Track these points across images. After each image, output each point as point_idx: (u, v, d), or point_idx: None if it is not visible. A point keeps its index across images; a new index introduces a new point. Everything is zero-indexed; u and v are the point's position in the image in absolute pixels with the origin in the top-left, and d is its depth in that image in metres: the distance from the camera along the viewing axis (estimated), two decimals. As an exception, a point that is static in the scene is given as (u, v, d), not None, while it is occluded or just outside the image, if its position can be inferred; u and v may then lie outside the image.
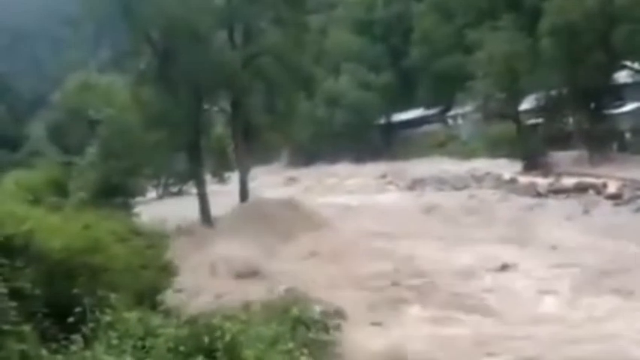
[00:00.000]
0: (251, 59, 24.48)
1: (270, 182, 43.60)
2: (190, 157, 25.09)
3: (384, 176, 45.51)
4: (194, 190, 26.43)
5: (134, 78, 25.22)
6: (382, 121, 68.20)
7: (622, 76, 41.43)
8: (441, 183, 37.11)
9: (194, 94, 23.04)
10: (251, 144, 26.18)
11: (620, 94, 41.92)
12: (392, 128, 67.61)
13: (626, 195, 25.77)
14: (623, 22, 35.93)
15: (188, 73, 22.02)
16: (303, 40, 26.75)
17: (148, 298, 9.18)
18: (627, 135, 40.47)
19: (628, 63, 40.04)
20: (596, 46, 37.83)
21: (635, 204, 24.52)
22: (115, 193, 23.89)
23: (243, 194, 25.76)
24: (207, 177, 30.25)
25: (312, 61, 34.59)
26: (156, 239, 12.35)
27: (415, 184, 38.56)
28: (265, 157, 34.49)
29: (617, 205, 25.04)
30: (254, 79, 23.67)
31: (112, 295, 7.52)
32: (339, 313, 12.59)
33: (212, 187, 32.55)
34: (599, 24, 37.62)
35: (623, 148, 39.42)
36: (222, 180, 33.95)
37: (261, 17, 25.56)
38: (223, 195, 28.07)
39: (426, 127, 63.91)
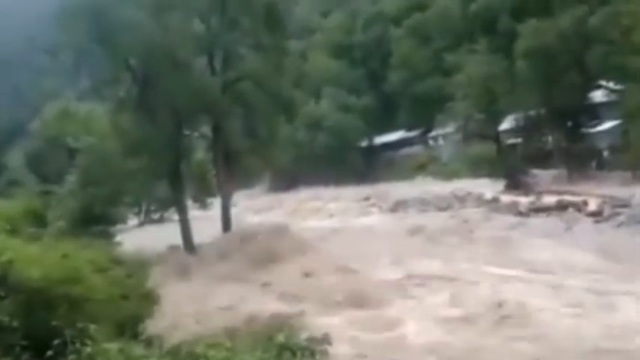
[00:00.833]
0: (231, 84, 24.57)
1: (253, 207, 43.47)
2: (171, 184, 24.93)
3: (366, 199, 45.61)
4: (176, 217, 26.21)
5: (113, 105, 25.15)
6: (364, 143, 68.61)
7: (598, 96, 42.38)
8: (424, 204, 37.31)
9: (174, 120, 23.01)
10: (232, 169, 26.10)
11: (596, 113, 42.81)
12: (373, 151, 68.02)
13: (606, 212, 26.15)
14: (597, 42, 36.89)
15: (168, 100, 22.02)
16: (283, 65, 26.94)
17: (129, 327, 9.02)
18: (605, 153, 41.22)
19: (603, 82, 41.00)
20: (571, 67, 38.73)
21: (615, 220, 24.89)
22: (94, 221, 23.63)
23: (226, 220, 25.60)
24: (189, 203, 30.05)
25: (293, 86, 34.77)
26: (137, 268, 12.19)
27: (398, 206, 38.71)
28: (247, 181, 34.38)
29: (597, 222, 25.39)
30: (234, 104, 23.73)
31: (92, 326, 7.36)
32: (326, 339, 12.50)
33: (194, 212, 32.34)
34: (574, 45, 38.57)
35: (602, 165, 40.11)
36: (203, 206, 33.73)
37: (241, 43, 25.74)
38: (206, 221, 27.87)
39: (408, 149, 64.41)
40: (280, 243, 22.14)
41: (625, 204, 26.18)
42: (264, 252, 21.15)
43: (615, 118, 39.96)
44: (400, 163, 62.33)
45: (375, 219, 35.77)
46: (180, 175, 24.41)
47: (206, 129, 26.88)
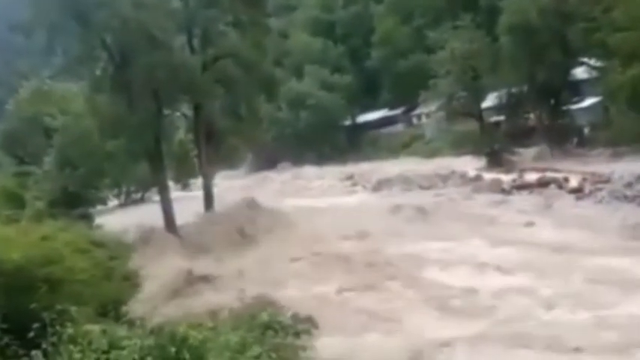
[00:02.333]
0: (211, 63, 24.27)
1: (235, 186, 43.34)
2: (151, 164, 24.71)
3: (350, 177, 45.73)
4: (157, 198, 26.06)
5: (90, 84, 24.73)
6: (347, 122, 68.61)
7: (579, 73, 42.76)
8: (407, 183, 37.48)
9: (153, 99, 22.71)
10: (214, 148, 25.93)
11: (578, 90, 43.26)
12: (357, 129, 68.07)
13: (587, 188, 26.55)
14: (578, 19, 37.08)
15: (146, 78, 21.69)
16: (264, 43, 26.64)
17: (111, 309, 9.02)
18: (586, 130, 41.76)
19: (584, 59, 41.34)
20: (553, 44, 38.98)
21: (595, 197, 25.29)
22: (73, 203, 23.43)
23: (208, 200, 25.50)
24: (171, 183, 29.87)
25: (274, 64, 34.49)
26: (118, 249, 12.16)
27: (382, 185, 38.85)
28: (229, 161, 34.21)
29: (578, 198, 25.79)
30: (215, 83, 23.46)
31: (73, 308, 7.35)
32: (310, 318, 12.60)
33: (176, 193, 32.18)
34: (555, 22, 38.77)
35: (583, 142, 40.66)
36: (185, 186, 33.62)
37: (220, 20, 25.38)
38: (188, 201, 27.77)
39: (391, 128, 64.56)
40: (261, 222, 22.17)
41: (605, 180, 26.59)
42: (245, 232, 21.19)
43: (596, 95, 40.43)
44: (383, 141, 62.52)
45: (359, 198, 35.92)
46: (161, 155, 24.18)
47: (186, 108, 26.64)
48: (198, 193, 27.45)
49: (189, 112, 26.38)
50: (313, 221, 24.99)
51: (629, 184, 24.83)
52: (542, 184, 29.27)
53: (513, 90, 41.97)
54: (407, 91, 56.25)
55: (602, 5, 35.42)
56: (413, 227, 22.95)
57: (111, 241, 12.73)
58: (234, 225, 21.82)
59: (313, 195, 38.48)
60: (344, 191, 40.00)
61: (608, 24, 34.48)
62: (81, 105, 26.73)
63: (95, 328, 7.40)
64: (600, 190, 25.68)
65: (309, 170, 54.07)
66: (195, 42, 25.31)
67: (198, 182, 30.22)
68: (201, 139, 25.58)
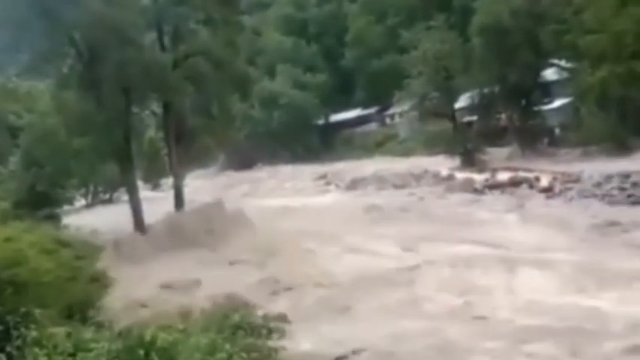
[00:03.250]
0: (182, 60, 24.07)
1: (207, 186, 43.07)
2: (120, 163, 24.39)
3: (323, 177, 45.84)
4: (126, 198, 25.75)
5: (56, 82, 24.29)
6: (320, 121, 68.69)
7: (550, 74, 43.64)
8: (381, 182, 37.77)
9: (122, 96, 22.42)
10: (185, 148, 25.71)
11: (549, 91, 44.12)
12: (330, 129, 68.22)
13: (558, 188, 27.13)
14: (549, 21, 37.84)
15: (115, 76, 21.40)
16: (236, 41, 26.53)
17: (78, 311, 8.91)
18: (557, 130, 42.62)
19: (555, 61, 42.20)
20: (524, 45, 39.67)
21: (566, 196, 25.87)
22: (40, 203, 23.00)
23: (178, 200, 25.28)
24: (141, 183, 29.52)
25: (247, 62, 34.33)
26: (85, 250, 11.99)
27: (355, 184, 39.07)
28: (201, 160, 33.98)
29: (549, 197, 26.34)
30: (186, 81, 23.26)
31: (37, 310, 7.24)
32: (282, 317, 12.61)
33: (146, 193, 31.80)
34: (527, 23, 39.47)
35: (554, 142, 41.48)
36: (155, 186, 33.21)
37: (191, 17, 25.19)
38: (158, 202, 27.49)
39: (365, 127, 64.87)
40: (231, 222, 22.09)
41: (575, 180, 27.20)
42: (214, 232, 21.08)
43: (566, 96, 41.30)
44: (357, 140, 62.81)
45: (332, 197, 36.04)
46: (130, 154, 23.86)
47: (156, 106, 26.36)
48: (169, 194, 27.20)
49: (160, 110, 26.12)
50: (280, 222, 24.95)
51: (598, 184, 25.45)
52: (514, 183, 29.81)
53: (485, 90, 42.58)
54: (381, 90, 56.61)
55: (573, 7, 36.24)
56: (380, 226, 23.11)
57: (78, 241, 12.53)
58: (202, 228, 21.67)
59: (286, 195, 38.43)
60: (317, 191, 40.08)
61: (578, 26, 35.29)
62: (47, 103, 26.26)
63: (60, 331, 7.31)
64: (570, 189, 26.28)
65: (283, 169, 54.04)
66: (166, 39, 25.08)
67: (169, 182, 29.94)
68: (172, 138, 25.34)
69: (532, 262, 15.34)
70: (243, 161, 62.98)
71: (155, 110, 27.01)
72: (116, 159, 24.46)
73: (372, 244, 19.48)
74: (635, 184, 23.83)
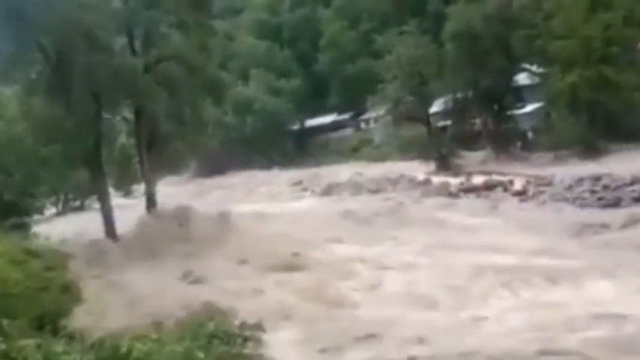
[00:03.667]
0: (153, 65, 23.84)
1: (180, 193, 42.61)
2: (90, 170, 24.02)
3: (299, 183, 45.82)
4: (97, 205, 25.35)
5: (24, 88, 23.84)
6: (295, 127, 68.64)
7: (522, 79, 44.42)
8: (357, 187, 37.92)
9: (92, 102, 22.09)
10: (157, 154, 25.43)
11: (521, 95, 44.90)
12: (305, 134, 68.21)
13: (531, 191, 27.61)
14: (520, 26, 38.55)
15: (84, 81, 21.10)
16: (209, 45, 26.37)
17: (49, 322, 8.72)
18: (529, 134, 43.38)
19: (526, 66, 42.99)
20: (496, 50, 40.34)
21: (538, 199, 26.34)
22: (8, 211, 22.49)
23: (151, 207, 24.97)
24: (112, 190, 29.08)
25: (220, 67, 34.18)
26: (56, 259, 11.77)
27: (331, 190, 39.14)
28: (174, 166, 33.59)
29: (522, 201, 26.78)
30: (157, 86, 23.01)
31: (6, 322, 7.07)
32: (259, 325, 12.52)
33: (118, 200, 31.34)
34: (499, 29, 40.16)
35: (526, 146, 42.20)
36: (127, 193, 32.74)
37: (163, 22, 24.98)
38: (130, 209, 27.13)
39: (340, 132, 65.02)
40: (206, 229, 21.90)
41: (547, 183, 27.72)
42: (188, 239, 20.89)
43: (538, 101, 42.09)
44: (333, 145, 62.90)
45: (308, 203, 36.04)
46: (101, 161, 23.53)
47: (127, 112, 26.04)
48: (141, 200, 26.86)
49: (131, 116, 25.81)
50: (256, 228, 24.82)
51: (569, 187, 25.98)
52: (489, 187, 30.25)
53: (459, 95, 43.14)
54: (355, 95, 56.82)
55: (543, 13, 37.01)
56: (355, 231, 23.21)
57: (48, 251, 12.28)
58: (175, 235, 21.45)
59: (261, 200, 38.29)
60: (293, 196, 40.04)
61: (548, 31, 36.05)
62: (15, 109, 25.76)
63: (30, 343, 7.14)
64: (543, 192, 26.79)
65: (258, 175, 53.83)
66: (137, 44, 24.81)
67: (140, 189, 29.59)
68: (143, 144, 25.03)
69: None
70: (216, 167, 62.50)
71: (126, 116, 26.68)
72: (86, 166, 24.09)
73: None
74: (605, 187, 24.39)
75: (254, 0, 78.88)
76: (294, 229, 23.75)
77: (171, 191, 42.23)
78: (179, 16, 24.88)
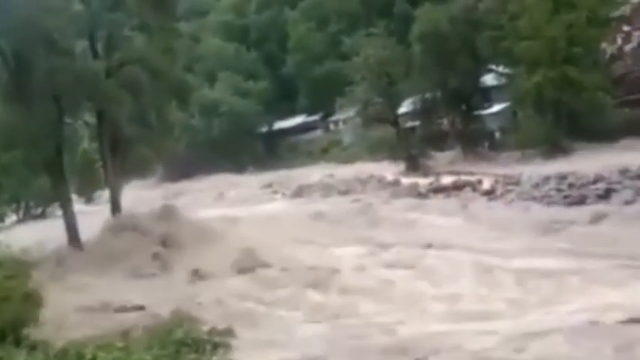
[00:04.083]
0: (116, 68, 23.55)
1: (145, 198, 42.09)
2: (52, 177, 23.59)
3: (269, 185, 45.76)
4: (60, 212, 24.89)
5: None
6: (264, 129, 68.53)
7: (489, 79, 45.24)
8: (327, 189, 38.06)
9: (53, 107, 21.72)
10: (121, 159, 25.11)
11: (488, 95, 45.73)
12: (274, 136, 68.16)
13: (499, 190, 28.12)
14: (486, 28, 39.26)
15: (45, 85, 20.74)
16: (174, 48, 26.16)
17: (11, 332, 8.56)
18: (496, 134, 44.20)
19: (493, 66, 43.81)
20: (463, 51, 41.00)
21: (506, 198, 26.86)
22: (-35, 221, 21.94)
23: (116, 213, 24.63)
24: (75, 197, 28.58)
25: (185, 69, 33.94)
26: (17, 268, 11.53)
27: (301, 192, 39.20)
28: (139, 171, 33.16)
29: (490, 200, 27.27)
30: (121, 90, 22.73)
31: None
32: (228, 332, 12.48)
33: (82, 207, 30.82)
34: (465, 30, 40.84)
35: (494, 146, 42.99)
36: (90, 199, 32.21)
37: (126, 24, 24.70)
38: (94, 215, 26.70)
39: (309, 134, 65.18)
40: (172, 233, 21.71)
41: (515, 182, 28.27)
42: (155, 244, 20.70)
43: (505, 101, 42.93)
44: (302, 147, 63.01)
45: (279, 205, 36.01)
46: (62, 167, 23.12)
47: (90, 116, 25.66)
48: (106, 207, 26.48)
49: (93, 120, 25.45)
50: (226, 233, 24.71)
51: (536, 185, 26.55)
52: (458, 187, 30.68)
53: (427, 96, 43.67)
54: (324, 97, 57.05)
55: (508, 14, 37.76)
56: (326, 232, 23.33)
57: (9, 259, 12.02)
58: (142, 240, 21.20)
59: (231, 204, 38.09)
60: (263, 199, 39.94)
61: (513, 32, 36.81)
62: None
63: (-9, 354, 7.02)
64: (511, 191, 27.30)
65: (227, 179, 53.51)
66: (99, 47, 24.48)
67: (105, 195, 29.16)
68: (107, 149, 24.68)
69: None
70: (184, 172, 61.92)
71: (88, 120, 26.28)
72: (48, 172, 23.67)
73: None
74: (570, 185, 25.00)
75: (220, 2, 78.59)
76: (264, 232, 23.73)
77: (137, 196, 41.67)
78: (142, 19, 24.65)
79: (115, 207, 24.79)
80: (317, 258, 19.12)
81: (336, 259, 19.05)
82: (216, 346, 11.23)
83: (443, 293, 14.58)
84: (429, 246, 19.52)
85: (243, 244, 20.29)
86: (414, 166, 40.10)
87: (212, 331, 12.03)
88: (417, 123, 45.04)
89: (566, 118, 35.65)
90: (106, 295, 15.75)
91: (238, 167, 59.29)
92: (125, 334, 11.21)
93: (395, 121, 42.88)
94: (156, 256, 20.05)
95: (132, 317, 13.40)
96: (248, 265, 18.58)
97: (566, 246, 17.75)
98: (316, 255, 19.65)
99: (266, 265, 18.65)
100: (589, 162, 28.25)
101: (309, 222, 26.53)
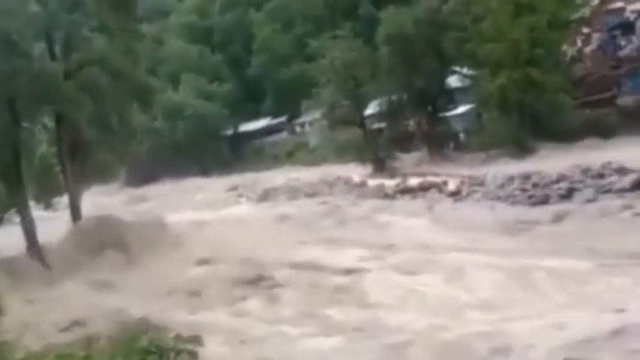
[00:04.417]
0: (75, 70, 23.08)
1: (107, 203, 41.37)
2: (7, 182, 22.97)
3: (234, 189, 45.46)
4: (18, 219, 24.22)
5: None
6: (229, 132, 68.11)
7: (454, 81, 45.96)
8: (294, 192, 37.99)
9: (9, 110, 21.17)
10: (81, 163, 24.61)
11: (453, 97, 46.45)
12: (240, 139, 67.78)
13: (464, 191, 28.52)
14: (451, 30, 39.89)
15: (0, 87, 20.21)
16: (135, 49, 25.78)
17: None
18: (462, 135, 44.91)
19: (457, 68, 44.52)
20: (428, 53, 41.57)
21: (472, 199, 27.27)
22: None
23: (75, 219, 24.13)
24: (33, 203, 27.82)
25: (148, 72, 33.51)
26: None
27: (267, 195, 39.04)
28: (100, 176, 32.54)
29: (456, 200, 27.65)
30: (80, 92, 22.27)
31: None
32: (196, 339, 12.33)
33: (41, 213, 30.00)
34: (430, 32, 41.41)
35: (459, 147, 43.67)
36: (48, 205, 31.32)
37: (85, 25, 24.23)
38: (53, 222, 26.11)
39: (275, 137, 65.05)
40: (136, 239, 21.40)
41: (480, 183, 28.72)
42: (115, 251, 20.36)
43: (469, 102, 43.66)
44: (268, 151, 62.83)
45: (244, 209, 35.82)
46: (20, 172, 22.53)
47: (49, 120, 25.09)
48: (66, 213, 25.92)
49: (52, 124, 24.90)
50: (191, 237, 24.48)
51: (501, 186, 27.02)
52: (424, 188, 30.99)
53: (393, 97, 44.08)
54: (290, 99, 57.05)
55: (472, 16, 38.44)
56: (293, 234, 23.34)
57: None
58: (103, 246, 20.84)
59: (196, 208, 37.70)
60: (228, 203, 39.67)
61: (477, 35, 37.51)
62: None
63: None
64: (476, 192, 27.72)
65: (192, 182, 53.00)
66: (57, 48, 23.97)
67: (64, 200, 28.54)
68: (66, 154, 24.16)
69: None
70: (148, 176, 61.05)
71: (47, 124, 25.69)
72: (4, 177, 23.03)
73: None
74: (534, 185, 25.50)
75: (182, 3, 77.89)
76: (229, 236, 23.58)
77: (98, 202, 40.92)
78: (102, 20, 24.23)
79: (75, 213, 24.29)
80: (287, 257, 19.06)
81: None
82: (180, 353, 11.11)
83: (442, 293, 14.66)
84: (391, 246, 19.71)
85: (206, 250, 20.12)
86: (380, 167, 40.39)
87: (178, 338, 11.90)
88: (383, 125, 45.42)
89: (529, 119, 36.47)
90: (65, 303, 15.43)
91: (203, 171, 58.78)
92: (87, 343, 11.00)
93: (361, 123, 43.14)
94: (116, 264, 19.70)
95: (91, 324, 13.16)
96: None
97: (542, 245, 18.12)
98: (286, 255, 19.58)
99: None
100: (552, 162, 28.91)
101: (275, 225, 26.47)
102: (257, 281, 16.95)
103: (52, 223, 25.04)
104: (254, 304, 15.50)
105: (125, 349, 10.26)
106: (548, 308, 12.41)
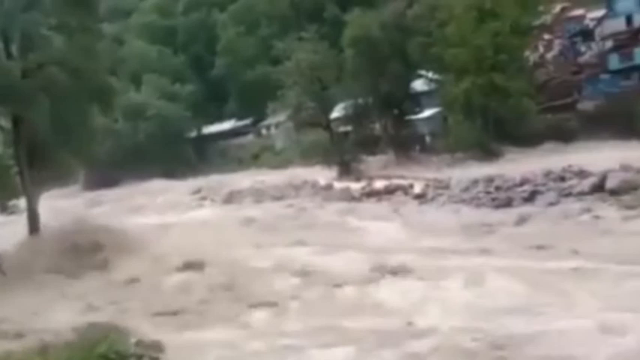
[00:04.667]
0: (33, 69, 22.55)
1: (66, 207, 40.44)
2: (-39, 185, 22.30)
3: (198, 191, 45.01)
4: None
5: None
6: (192, 134, 67.51)
7: (419, 85, 46.61)
8: (259, 194, 37.86)
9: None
10: (39, 165, 24.03)
11: (418, 101, 47.09)
12: (203, 141, 67.26)
13: (430, 194, 28.90)
14: (416, 34, 40.45)
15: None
16: (95, 49, 25.31)
17: None
18: (427, 138, 45.54)
19: (423, 72, 45.17)
20: (394, 57, 42.09)
21: (437, 201, 27.66)
22: None
23: (33, 223, 23.52)
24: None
25: (108, 72, 32.93)
26: None
27: (232, 198, 38.80)
28: (59, 179, 31.84)
29: (422, 203, 28.00)
30: (38, 92, 21.76)
31: None
32: (157, 345, 12.17)
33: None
34: (395, 36, 41.94)
35: (425, 150, 44.29)
36: (4, 208, 30.46)
37: (43, 24, 23.70)
38: (10, 225, 25.43)
39: (240, 139, 64.80)
40: (96, 243, 20.99)
41: (445, 186, 29.17)
42: (75, 256, 19.93)
43: (435, 106, 44.33)
44: (233, 153, 62.52)
45: (208, 212, 35.47)
46: (-27, 174, 21.94)
47: (5, 120, 24.44)
48: (22, 217, 25.27)
49: (8, 124, 24.27)
50: (153, 242, 24.14)
51: (465, 189, 27.49)
52: (390, 191, 31.30)
53: (359, 100, 44.45)
54: (254, 101, 56.92)
55: (437, 21, 39.08)
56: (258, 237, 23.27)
57: None
58: (61, 252, 20.37)
59: (158, 211, 37.18)
60: (191, 206, 39.23)
61: (442, 40, 38.14)
62: None
63: None
64: (441, 195, 28.13)
65: (154, 185, 52.21)
66: (14, 47, 23.39)
67: (21, 204, 27.84)
68: (23, 155, 23.58)
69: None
70: (107, 179, 59.95)
71: (3, 125, 25.03)
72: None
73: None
74: (498, 188, 26.02)
75: (143, 2, 77.00)
76: (192, 240, 23.32)
77: (57, 205, 39.98)
78: (61, 18, 23.74)
79: (32, 217, 23.72)
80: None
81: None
82: (141, 359, 10.96)
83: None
84: (365, 249, 19.80)
85: (166, 254, 19.88)
86: (347, 170, 40.62)
87: (139, 344, 11.72)
88: (349, 128, 45.70)
89: (493, 123, 37.23)
90: (21, 309, 15.06)
91: (167, 173, 58.04)
92: (44, 349, 10.78)
93: (327, 126, 43.32)
94: (77, 269, 19.30)
95: (48, 331, 12.85)
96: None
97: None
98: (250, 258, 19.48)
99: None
100: (515, 165, 29.50)
101: (240, 228, 26.32)
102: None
103: (8, 227, 24.39)
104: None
105: (83, 356, 10.09)
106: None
